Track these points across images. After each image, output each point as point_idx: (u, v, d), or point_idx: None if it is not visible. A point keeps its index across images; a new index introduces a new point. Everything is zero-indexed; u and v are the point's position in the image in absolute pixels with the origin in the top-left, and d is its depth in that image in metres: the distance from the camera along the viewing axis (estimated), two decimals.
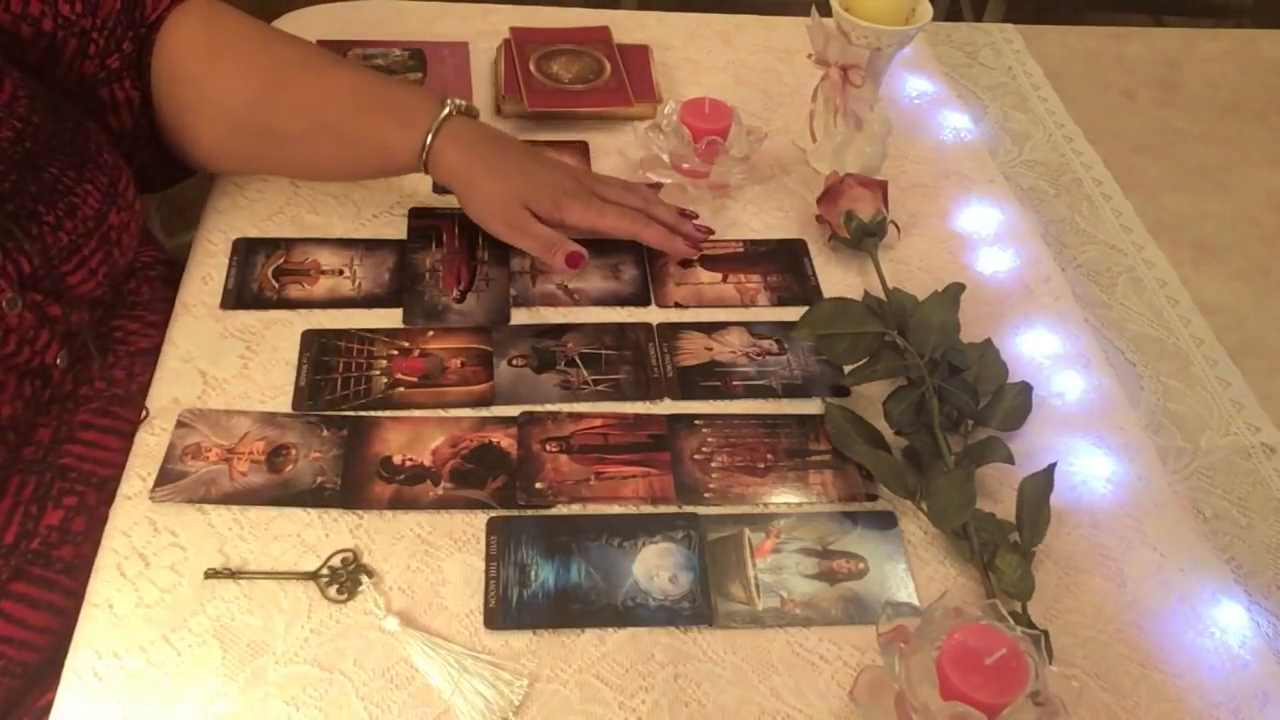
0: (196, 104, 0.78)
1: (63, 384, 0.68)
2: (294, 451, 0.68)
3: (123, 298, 0.76)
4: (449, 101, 0.78)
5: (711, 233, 0.84)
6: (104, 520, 0.64)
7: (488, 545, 0.64)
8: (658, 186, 0.87)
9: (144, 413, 0.69)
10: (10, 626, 0.61)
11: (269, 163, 0.83)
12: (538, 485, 0.67)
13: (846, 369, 0.74)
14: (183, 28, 0.76)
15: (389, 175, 0.84)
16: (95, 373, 0.70)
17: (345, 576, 0.62)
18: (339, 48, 0.99)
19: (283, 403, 0.71)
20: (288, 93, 0.78)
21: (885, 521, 0.67)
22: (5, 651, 0.60)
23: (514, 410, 0.72)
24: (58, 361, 0.66)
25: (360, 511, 0.65)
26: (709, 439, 0.71)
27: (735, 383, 0.75)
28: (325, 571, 0.62)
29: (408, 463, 0.68)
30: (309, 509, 0.65)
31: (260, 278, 0.79)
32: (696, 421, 0.72)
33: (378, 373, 0.73)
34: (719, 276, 0.83)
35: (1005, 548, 0.64)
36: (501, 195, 0.78)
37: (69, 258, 0.65)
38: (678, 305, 0.81)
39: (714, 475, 0.69)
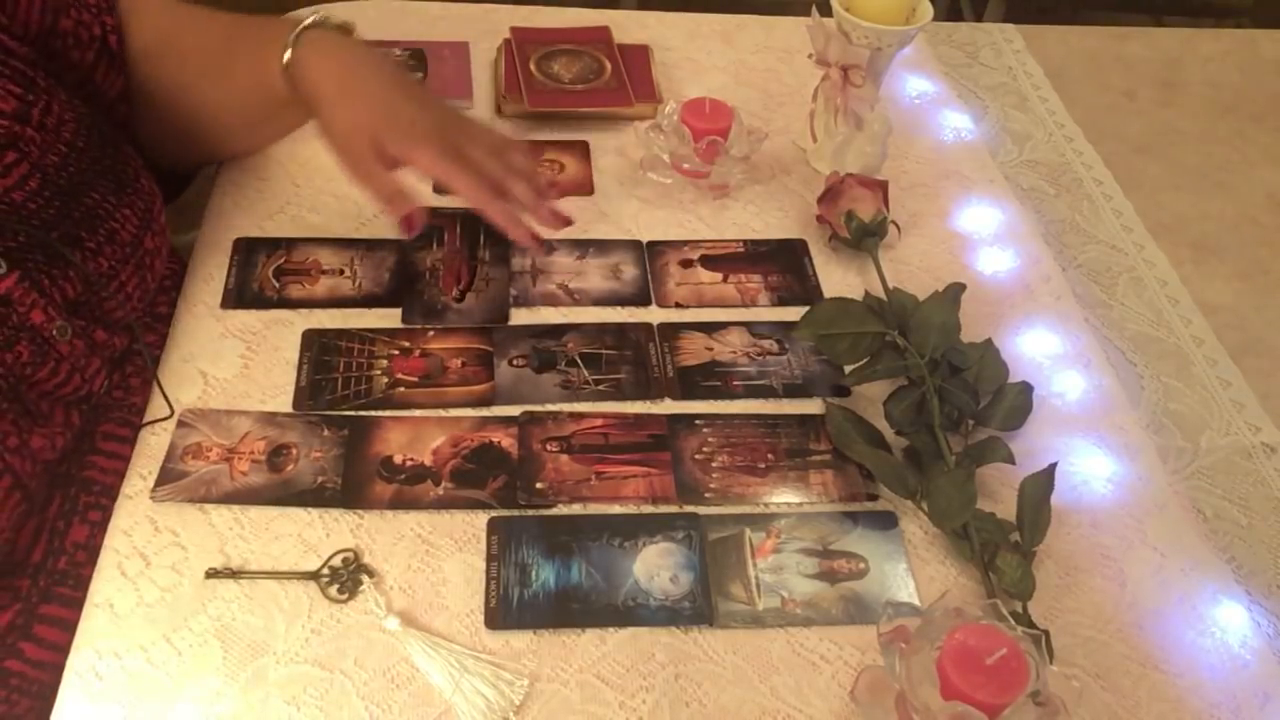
0: (136, 87, 0.77)
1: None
2: (295, 451, 0.68)
3: (143, 310, 0.76)
4: (314, 13, 0.73)
5: (569, 223, 0.78)
6: None
7: (488, 545, 0.64)
8: (527, 151, 0.81)
9: (169, 411, 0.69)
10: (43, 651, 0.61)
11: (182, 131, 0.79)
12: (538, 485, 0.67)
13: (847, 369, 0.74)
14: (133, 11, 0.76)
15: (281, 114, 0.77)
16: (115, 381, 0.70)
17: (346, 576, 0.62)
18: None
19: (283, 402, 0.71)
20: (180, 42, 0.76)
21: (886, 521, 0.67)
22: (39, 677, 0.60)
23: (514, 410, 0.72)
24: (102, 389, 0.67)
25: (361, 511, 0.65)
26: (709, 439, 0.71)
27: (736, 383, 0.75)
28: (326, 571, 0.62)
29: (408, 462, 0.68)
30: (310, 509, 0.65)
31: (261, 277, 0.79)
32: (697, 421, 0.72)
33: (378, 372, 0.73)
34: (719, 276, 0.83)
35: (1006, 548, 0.64)
36: (349, 122, 0.71)
37: (108, 283, 0.66)
38: (678, 305, 0.81)
39: (714, 475, 0.69)
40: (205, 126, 0.80)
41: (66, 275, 0.63)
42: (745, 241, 0.87)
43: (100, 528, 0.64)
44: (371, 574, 0.62)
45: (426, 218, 0.73)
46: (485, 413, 0.71)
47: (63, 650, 0.58)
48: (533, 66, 0.98)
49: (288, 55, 0.71)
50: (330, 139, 0.73)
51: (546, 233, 0.78)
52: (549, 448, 0.70)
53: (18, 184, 0.61)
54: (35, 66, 0.66)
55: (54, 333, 0.62)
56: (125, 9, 0.76)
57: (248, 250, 0.81)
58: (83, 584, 0.61)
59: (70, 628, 0.59)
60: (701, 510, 0.67)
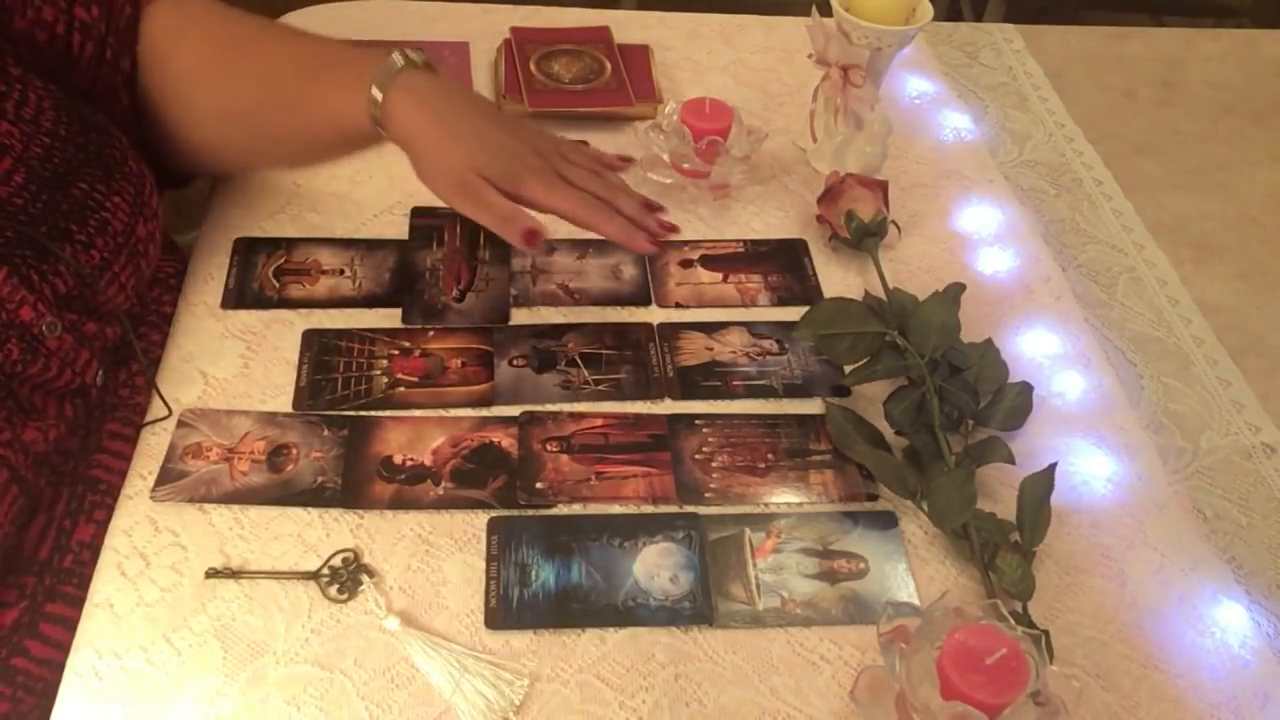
0: (161, 88, 0.76)
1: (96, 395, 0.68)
2: (295, 451, 0.68)
3: (147, 307, 0.76)
4: (401, 53, 0.71)
5: (677, 230, 0.81)
6: None
7: (488, 545, 0.64)
8: (627, 161, 0.82)
9: (168, 411, 0.69)
10: (48, 649, 0.60)
11: (234, 146, 0.78)
12: (538, 485, 0.67)
13: (847, 369, 0.74)
14: (157, 18, 0.75)
15: (350, 146, 0.77)
16: (120, 379, 0.70)
17: (346, 576, 0.62)
18: None
19: (283, 402, 0.71)
20: (239, 62, 0.75)
21: (886, 521, 0.67)
22: (44, 675, 0.60)
23: (514, 410, 0.72)
24: (96, 381, 0.66)
25: (361, 511, 0.65)
26: (709, 439, 0.71)
27: (736, 383, 0.75)
28: (326, 571, 0.62)
29: (408, 462, 0.68)
30: (310, 509, 0.65)
31: (261, 277, 0.79)
32: (697, 421, 0.72)
33: (378, 372, 0.73)
34: (719, 276, 0.83)
35: (1006, 548, 0.64)
36: (456, 161, 0.71)
37: (100, 274, 0.65)
38: (678, 305, 0.81)
39: (714, 475, 0.69)
40: (250, 145, 0.78)
41: (56, 270, 0.63)
42: (745, 241, 0.87)
43: (105, 527, 0.64)
44: (371, 574, 0.62)
45: (546, 232, 0.73)
46: (485, 413, 0.71)
47: (67, 649, 0.58)
48: (533, 66, 0.98)
49: (379, 96, 0.69)
50: (437, 178, 0.72)
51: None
52: (549, 448, 0.70)
53: (1, 180, 0.60)
54: (4, 55, 0.64)
55: (43, 329, 0.62)
56: (171, 30, 0.74)
57: (248, 250, 0.81)
58: (87, 583, 0.61)
59: (74, 627, 0.59)
60: (701, 510, 0.67)
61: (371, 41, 0.76)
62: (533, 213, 0.73)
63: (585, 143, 0.87)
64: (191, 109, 0.76)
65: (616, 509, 0.67)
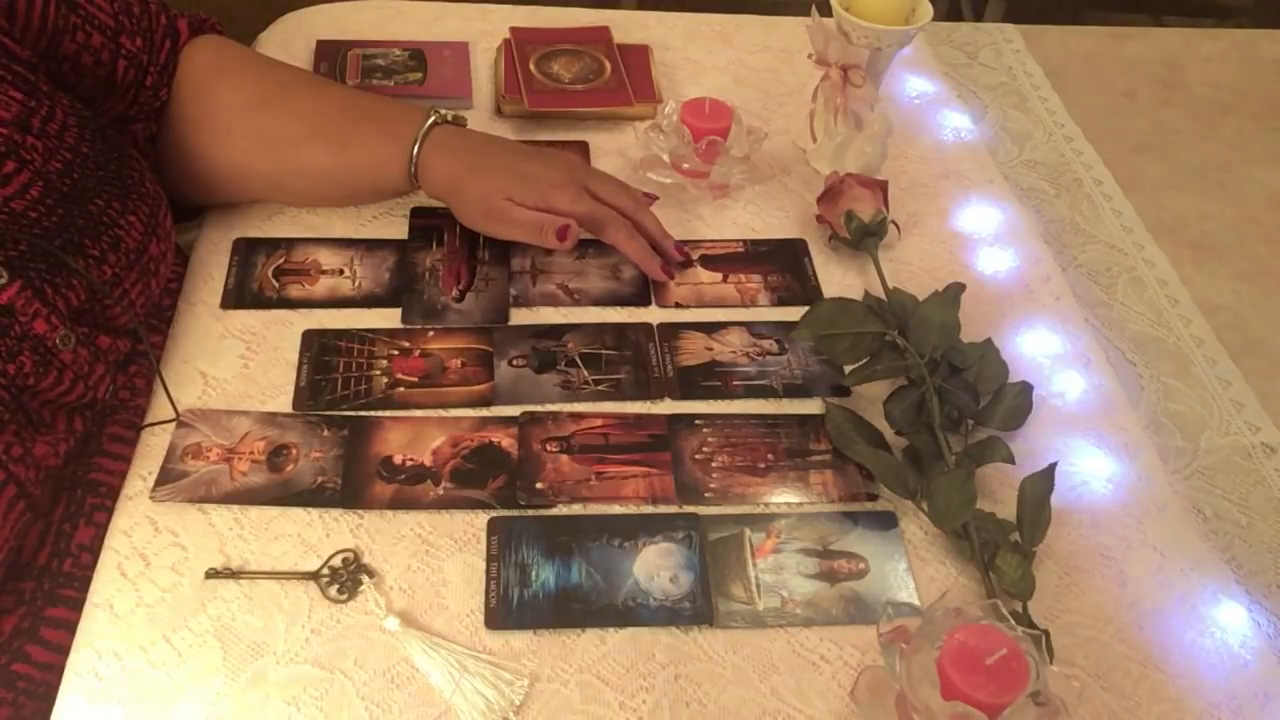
0: (197, 116, 0.79)
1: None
2: (294, 451, 0.68)
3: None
4: (434, 112, 0.79)
5: (690, 260, 0.84)
6: None
7: (488, 545, 0.64)
8: (651, 199, 0.85)
9: (175, 414, 0.69)
10: (49, 654, 0.60)
11: (265, 176, 0.80)
12: (538, 485, 0.67)
13: (847, 369, 0.74)
14: (196, 54, 0.79)
15: (383, 194, 0.83)
16: (120, 382, 0.70)
17: (346, 576, 0.62)
18: (339, 48, 1.00)
19: (283, 402, 0.71)
20: (285, 101, 0.79)
21: (886, 521, 0.67)
22: (46, 679, 0.60)
23: (514, 410, 0.72)
24: (106, 395, 0.67)
25: (361, 511, 0.65)
26: (709, 439, 0.71)
27: (735, 383, 0.75)
28: (326, 571, 0.62)
29: (408, 463, 0.68)
30: (310, 509, 0.65)
31: (261, 277, 0.79)
32: (697, 421, 0.72)
33: (378, 373, 0.73)
34: (719, 276, 0.83)
35: (1006, 547, 0.64)
36: (483, 193, 0.78)
37: (111, 290, 0.66)
38: (678, 305, 0.81)
39: (714, 475, 0.69)
40: (279, 178, 0.81)
41: (70, 283, 0.63)
42: (745, 241, 0.87)
43: (105, 530, 0.64)
44: (371, 574, 0.62)
45: (577, 228, 0.78)
46: (485, 413, 0.71)
47: (68, 653, 0.58)
48: (533, 66, 0.98)
49: (416, 151, 0.77)
50: (468, 213, 0.80)
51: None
52: (549, 448, 0.70)
53: (18, 193, 0.61)
54: (37, 71, 0.65)
55: (57, 342, 0.62)
56: (212, 66, 0.79)
57: (247, 250, 0.81)
58: (87, 586, 0.61)
59: (75, 630, 0.59)
60: (701, 510, 0.67)
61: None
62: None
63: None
64: (231, 137, 0.79)
65: (616, 509, 0.67)
